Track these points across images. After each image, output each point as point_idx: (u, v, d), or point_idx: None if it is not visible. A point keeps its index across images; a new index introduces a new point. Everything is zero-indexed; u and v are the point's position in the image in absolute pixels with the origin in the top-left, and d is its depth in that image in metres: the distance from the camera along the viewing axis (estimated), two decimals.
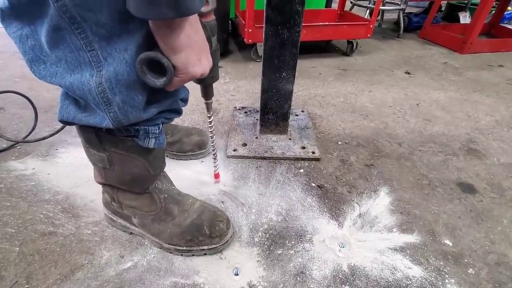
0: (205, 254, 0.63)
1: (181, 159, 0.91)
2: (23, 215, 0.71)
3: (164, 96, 0.50)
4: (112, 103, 0.41)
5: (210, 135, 0.73)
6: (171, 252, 0.63)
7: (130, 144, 0.53)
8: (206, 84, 0.60)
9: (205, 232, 0.62)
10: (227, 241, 0.64)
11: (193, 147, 0.90)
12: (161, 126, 0.54)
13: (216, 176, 0.82)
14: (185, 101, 0.63)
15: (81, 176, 0.82)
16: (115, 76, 0.39)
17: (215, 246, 0.63)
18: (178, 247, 0.62)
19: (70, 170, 0.86)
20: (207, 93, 0.63)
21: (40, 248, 0.64)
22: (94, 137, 0.52)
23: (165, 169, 0.65)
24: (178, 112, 0.58)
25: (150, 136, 0.52)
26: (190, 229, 0.62)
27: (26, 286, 0.57)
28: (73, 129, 0.97)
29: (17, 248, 0.63)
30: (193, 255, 0.63)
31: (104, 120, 0.44)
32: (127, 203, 0.62)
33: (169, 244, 0.62)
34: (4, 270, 0.59)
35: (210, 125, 0.70)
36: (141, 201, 0.62)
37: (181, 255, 0.63)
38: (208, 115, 0.68)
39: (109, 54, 0.38)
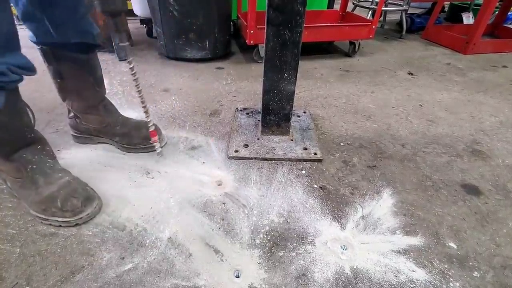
0: (60, 225, 0.68)
1: (131, 152, 0.93)
2: (25, 216, 0.71)
3: None
4: None
5: (137, 89, 0.71)
6: (35, 219, 0.69)
7: None
8: (113, 11, 0.56)
9: (57, 205, 0.67)
10: (81, 218, 0.68)
11: (141, 140, 0.92)
12: None
13: (152, 134, 0.80)
14: (25, 69, 0.62)
15: (83, 177, 0.82)
16: None
17: (68, 219, 0.67)
18: (38, 215, 0.68)
19: (72, 171, 0.85)
20: (118, 26, 0.59)
21: (41, 249, 0.64)
22: None
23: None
24: (5, 75, 0.58)
25: None
26: (46, 200, 0.68)
27: (27, 287, 0.56)
28: (96, 141, 0.98)
29: (18, 249, 0.63)
30: (50, 224, 0.68)
31: None
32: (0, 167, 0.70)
33: (32, 210, 0.69)
34: (5, 271, 0.59)
35: (133, 74, 0.68)
36: (7, 167, 0.69)
37: (42, 222, 0.69)
38: (128, 61, 0.65)
39: None
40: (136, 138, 0.92)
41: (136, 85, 0.70)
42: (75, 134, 0.97)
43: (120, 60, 1.71)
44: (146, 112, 0.75)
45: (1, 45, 0.57)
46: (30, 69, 0.63)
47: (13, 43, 0.59)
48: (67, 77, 0.81)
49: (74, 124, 0.95)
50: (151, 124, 0.77)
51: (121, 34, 0.61)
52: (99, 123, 0.92)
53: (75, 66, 0.79)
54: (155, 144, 0.82)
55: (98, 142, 0.98)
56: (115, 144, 0.95)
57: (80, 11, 0.72)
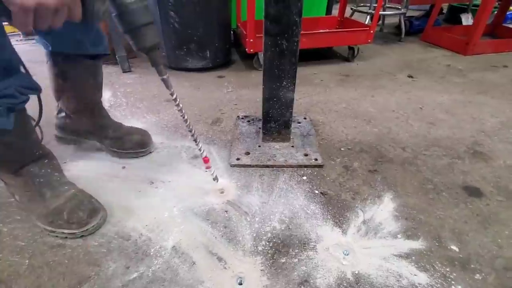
0: (66, 237, 0.70)
1: (122, 157, 0.96)
2: (33, 228, 0.73)
3: None
4: None
5: (182, 118, 0.70)
6: (42, 231, 0.72)
7: None
8: (147, 47, 0.58)
9: (63, 217, 0.69)
10: (87, 229, 0.70)
11: (133, 145, 0.94)
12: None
13: (205, 160, 0.78)
14: (30, 88, 0.65)
15: (88, 188, 0.84)
16: None
17: (74, 231, 0.69)
18: (45, 227, 0.70)
19: (78, 183, 0.87)
20: (153, 61, 0.61)
21: (49, 260, 0.65)
22: None
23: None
24: (15, 97, 0.61)
25: None
26: (52, 213, 0.70)
27: None
28: (83, 142, 1.01)
29: (27, 261, 0.65)
30: (57, 236, 0.70)
31: None
32: (8, 181, 0.73)
33: (39, 223, 0.71)
34: (14, 283, 0.61)
35: (176, 105, 0.67)
36: (16, 182, 0.72)
37: (49, 234, 0.71)
38: (170, 93, 0.67)
39: None
40: (128, 143, 0.94)
41: (181, 115, 0.68)
42: (59, 135, 1.01)
43: (123, 72, 1.75)
44: (195, 140, 0.74)
45: (6, 67, 0.59)
46: (35, 89, 0.66)
47: (16, 64, 0.62)
48: (70, 79, 0.85)
49: (62, 124, 0.98)
50: (202, 151, 0.76)
51: (159, 67, 0.62)
52: (91, 125, 0.95)
53: (81, 70, 0.84)
54: (208, 170, 0.80)
55: (84, 144, 1.02)
56: (104, 147, 0.98)
57: (94, 28, 0.78)
